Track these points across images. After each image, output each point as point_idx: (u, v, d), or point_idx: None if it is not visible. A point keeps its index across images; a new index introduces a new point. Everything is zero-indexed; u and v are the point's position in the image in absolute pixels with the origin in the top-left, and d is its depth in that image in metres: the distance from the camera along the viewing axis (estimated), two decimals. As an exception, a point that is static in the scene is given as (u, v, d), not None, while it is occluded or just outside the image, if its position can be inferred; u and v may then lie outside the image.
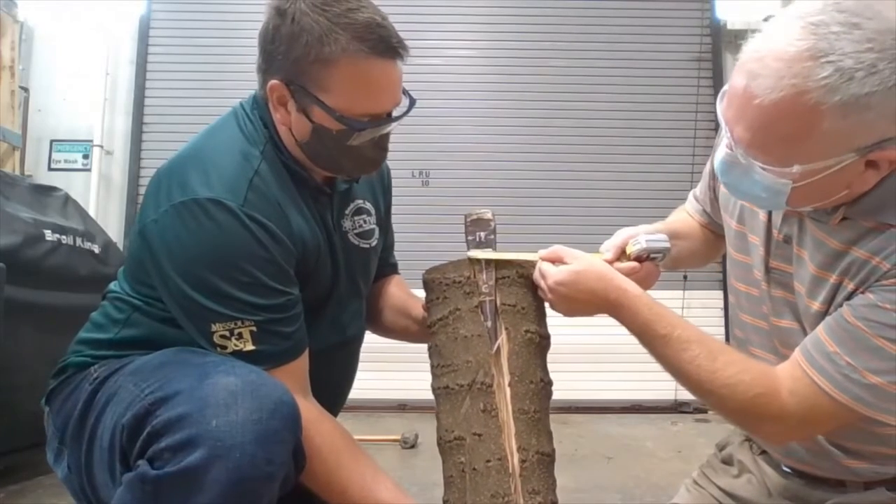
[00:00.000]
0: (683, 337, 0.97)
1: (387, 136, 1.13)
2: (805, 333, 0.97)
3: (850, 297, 0.90)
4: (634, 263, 1.07)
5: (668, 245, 1.10)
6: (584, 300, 1.02)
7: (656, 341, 0.98)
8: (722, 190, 1.16)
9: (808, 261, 0.96)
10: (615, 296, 1.00)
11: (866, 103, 0.77)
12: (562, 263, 1.04)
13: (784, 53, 0.79)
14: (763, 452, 1.18)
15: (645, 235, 1.09)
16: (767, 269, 1.04)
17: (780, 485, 1.13)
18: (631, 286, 1.02)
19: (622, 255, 1.09)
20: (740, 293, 1.12)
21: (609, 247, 1.11)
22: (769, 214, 1.04)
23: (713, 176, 1.21)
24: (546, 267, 1.05)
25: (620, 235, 1.12)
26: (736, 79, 0.85)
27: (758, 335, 1.09)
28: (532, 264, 1.09)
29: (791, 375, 0.92)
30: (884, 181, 0.87)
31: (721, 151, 0.92)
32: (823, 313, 0.94)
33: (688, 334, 0.97)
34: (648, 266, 1.09)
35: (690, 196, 1.34)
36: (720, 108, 0.89)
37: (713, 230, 1.30)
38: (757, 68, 0.81)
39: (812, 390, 0.90)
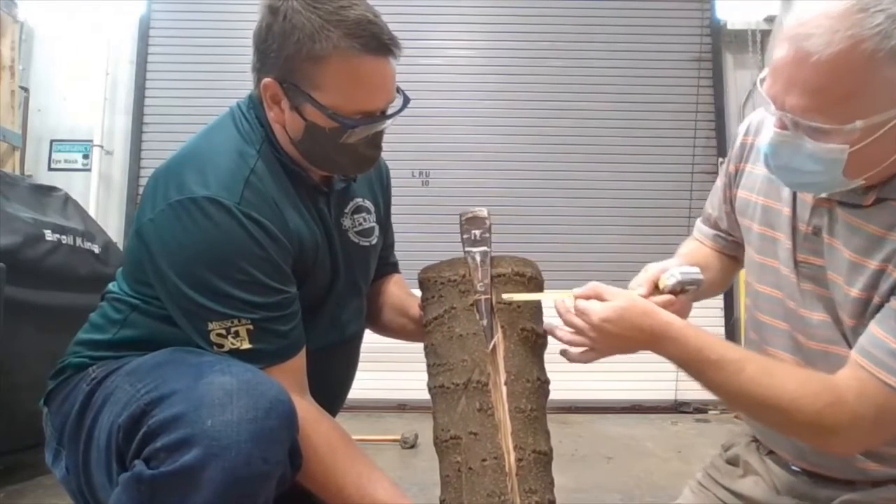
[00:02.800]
0: (736, 358, 0.95)
1: (381, 133, 1.13)
2: (836, 325, 0.97)
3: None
4: (670, 296, 1.05)
5: (701, 277, 1.09)
6: (629, 337, 0.99)
7: (710, 368, 0.96)
8: (739, 196, 1.16)
9: (843, 248, 0.96)
10: (661, 330, 0.98)
11: None
12: (599, 300, 1.01)
13: (832, 11, 0.80)
14: (770, 453, 1.17)
15: (677, 268, 1.08)
16: (795, 263, 1.03)
17: (788, 483, 1.12)
18: (675, 318, 1.00)
19: (655, 289, 1.08)
20: (759, 294, 1.12)
21: (641, 282, 1.09)
22: (793, 210, 1.04)
23: (729, 186, 1.21)
24: (587, 304, 1.01)
25: (649, 270, 1.10)
26: (780, 51, 0.85)
27: (775, 335, 1.09)
28: (537, 317, 1.08)
29: (855, 379, 0.90)
30: None
31: (769, 134, 0.91)
32: (864, 300, 0.94)
33: (739, 355, 0.96)
34: (683, 299, 1.07)
35: (698, 223, 1.34)
36: (763, 89, 0.90)
37: (726, 252, 1.29)
38: (806, 30, 0.82)
39: (881, 390, 0.88)
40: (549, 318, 1.10)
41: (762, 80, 0.90)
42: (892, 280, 0.90)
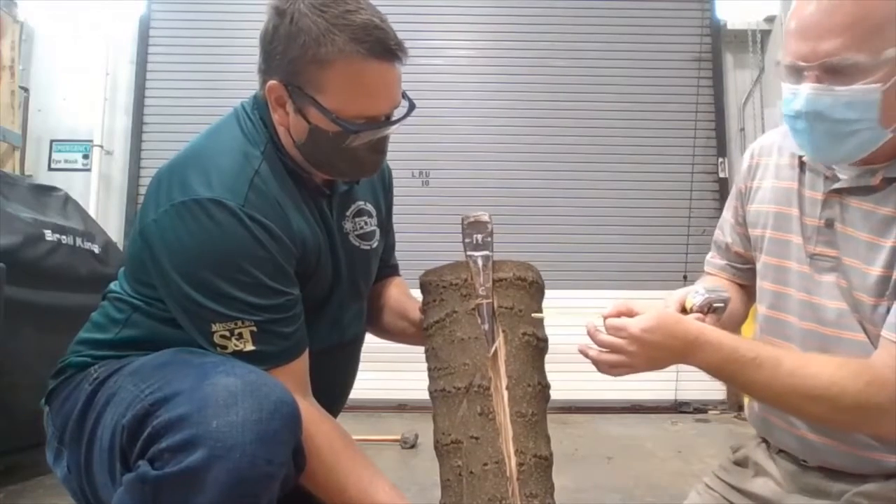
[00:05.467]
0: (772, 354, 0.97)
1: (384, 139, 1.12)
2: (853, 312, 1.00)
3: None
4: (699, 315, 1.06)
5: (727, 295, 1.11)
6: (667, 346, 0.99)
7: (748, 367, 0.97)
8: (751, 210, 1.20)
9: (859, 233, 1.00)
10: (695, 335, 0.99)
11: None
12: (629, 315, 1.01)
13: None
14: (780, 451, 1.18)
15: (703, 287, 1.10)
16: (810, 258, 1.07)
17: (800, 480, 1.12)
18: (705, 325, 1.02)
19: (682, 311, 1.08)
20: (771, 293, 1.15)
21: (668, 303, 1.11)
22: (801, 209, 1.08)
23: (742, 205, 1.24)
24: (619, 320, 1.01)
25: (674, 294, 1.12)
26: (795, 18, 0.94)
27: (786, 329, 1.11)
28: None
29: (889, 354, 0.92)
30: None
31: (804, 95, 0.95)
32: (885, 278, 0.97)
33: (773, 351, 0.98)
34: (711, 318, 1.08)
35: (708, 258, 1.36)
36: (787, 57, 0.96)
37: (740, 282, 1.31)
38: None
39: None
40: (583, 337, 1.07)
41: (776, 64, 0.97)
42: None
